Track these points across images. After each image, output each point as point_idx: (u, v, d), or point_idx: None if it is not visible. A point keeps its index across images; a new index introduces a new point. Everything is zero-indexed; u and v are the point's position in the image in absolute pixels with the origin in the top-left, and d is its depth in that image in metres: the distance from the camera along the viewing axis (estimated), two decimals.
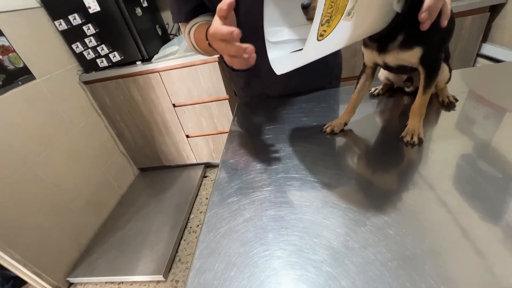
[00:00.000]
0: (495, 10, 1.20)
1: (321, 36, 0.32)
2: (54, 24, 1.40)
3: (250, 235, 0.36)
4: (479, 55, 1.30)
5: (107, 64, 1.51)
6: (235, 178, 0.47)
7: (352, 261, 0.29)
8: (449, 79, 0.53)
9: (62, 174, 1.39)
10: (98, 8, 1.32)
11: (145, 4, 1.51)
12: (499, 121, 0.47)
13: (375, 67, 0.51)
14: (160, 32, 1.65)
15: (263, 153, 0.52)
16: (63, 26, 1.40)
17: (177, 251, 1.40)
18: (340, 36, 0.34)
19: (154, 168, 2.01)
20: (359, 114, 0.55)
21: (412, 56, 0.43)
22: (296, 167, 0.46)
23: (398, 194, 0.37)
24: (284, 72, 0.40)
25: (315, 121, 0.59)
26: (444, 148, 0.44)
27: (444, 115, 0.52)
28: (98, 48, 1.46)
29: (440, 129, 0.49)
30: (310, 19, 0.41)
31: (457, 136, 0.46)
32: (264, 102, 0.74)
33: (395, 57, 0.44)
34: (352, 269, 0.29)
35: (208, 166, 2.00)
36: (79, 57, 1.50)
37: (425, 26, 0.38)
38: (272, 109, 0.68)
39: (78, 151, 1.52)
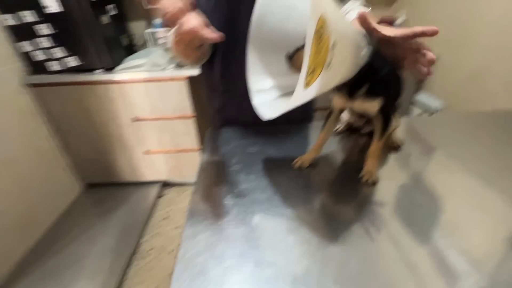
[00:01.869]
0: None
1: (306, 85, 0.36)
2: (0, 18, 1.24)
3: (223, 272, 0.36)
4: (414, 101, 1.54)
5: (59, 68, 1.38)
6: (206, 212, 0.47)
7: None
8: (398, 126, 0.62)
9: None
10: (58, 9, 1.22)
11: (113, 12, 1.44)
12: (433, 162, 0.56)
13: (341, 112, 0.57)
14: (125, 43, 1.59)
15: (234, 185, 0.53)
16: (11, 21, 1.25)
17: (124, 279, 1.26)
18: (321, 85, 0.39)
19: (103, 184, 1.83)
20: (324, 150, 0.60)
21: (373, 106, 0.50)
22: (267, 201, 0.48)
23: (358, 230, 0.41)
24: (272, 117, 0.42)
25: (286, 154, 0.62)
26: (392, 185, 0.51)
27: (393, 156, 0.61)
28: (52, 51, 1.33)
29: (390, 169, 0.56)
30: (292, 67, 0.45)
31: (401, 175, 0.54)
32: (236, 131, 0.75)
33: (360, 105, 0.51)
34: None
35: (165, 184, 1.90)
36: (26, 57, 1.34)
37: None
38: (244, 138, 0.70)
39: (10, 162, 1.31)
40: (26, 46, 1.31)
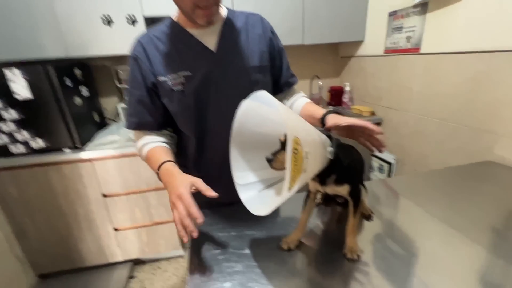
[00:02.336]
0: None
1: (289, 189, 0.43)
2: None
3: None
4: (373, 155, 1.73)
5: (24, 151, 1.32)
6: None
7: None
8: (365, 196, 0.71)
9: None
10: (29, 96, 1.23)
11: (85, 94, 1.49)
12: (400, 218, 0.64)
13: (316, 192, 0.64)
14: (97, 119, 1.60)
15: (227, 278, 0.53)
16: None
17: None
18: (300, 183, 0.46)
19: (61, 272, 1.59)
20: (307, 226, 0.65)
21: (343, 190, 0.57)
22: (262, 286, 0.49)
23: None
24: (262, 214, 0.47)
25: (270, 235, 0.66)
26: (372, 251, 0.58)
27: (367, 224, 0.68)
28: (15, 134, 1.29)
29: (367, 236, 0.63)
30: (273, 167, 0.52)
31: (379, 239, 0.61)
32: (215, 213, 0.77)
33: (332, 189, 0.58)
34: None
35: (137, 263, 1.73)
36: None
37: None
38: (225, 221, 0.72)
39: None
40: None
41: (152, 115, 0.72)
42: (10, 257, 1.41)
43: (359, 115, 1.71)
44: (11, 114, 1.25)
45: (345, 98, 1.93)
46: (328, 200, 0.79)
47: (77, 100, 1.39)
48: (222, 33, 0.70)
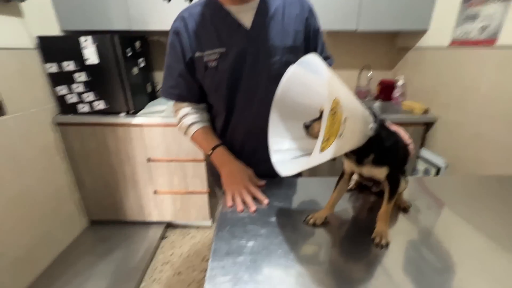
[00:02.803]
0: (428, 125, 1.55)
1: (322, 149, 0.42)
2: (44, 66, 1.41)
3: None
4: (419, 157, 1.60)
5: (88, 110, 1.50)
6: (225, 266, 0.49)
7: None
8: (405, 188, 0.67)
9: None
10: (96, 61, 1.39)
11: (142, 65, 1.62)
12: (439, 221, 0.59)
13: (352, 174, 0.62)
14: (149, 90, 1.74)
15: (250, 239, 0.56)
16: (53, 69, 1.41)
17: None
18: (334, 150, 0.45)
19: (107, 222, 1.82)
20: (336, 208, 0.64)
21: (380, 173, 0.55)
22: (282, 257, 0.51)
23: (365, 282, 0.43)
24: (289, 174, 0.48)
25: (298, 209, 0.66)
26: (401, 245, 0.53)
27: (401, 217, 0.64)
28: (84, 95, 1.47)
29: (399, 230, 0.59)
30: (309, 135, 0.52)
31: (412, 236, 0.56)
32: None
33: (368, 170, 0.56)
34: None
35: (169, 226, 1.88)
36: (60, 99, 1.48)
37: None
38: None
39: (26, 196, 1.35)
40: (63, 90, 1.45)
41: (192, 88, 0.77)
42: (70, 202, 1.65)
43: (409, 112, 1.58)
44: (81, 76, 1.43)
45: (396, 93, 1.79)
46: (363, 188, 0.76)
47: (134, 70, 1.53)
48: (258, 10, 0.70)
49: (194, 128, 0.78)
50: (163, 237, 1.78)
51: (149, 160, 1.60)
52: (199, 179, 1.64)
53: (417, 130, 1.54)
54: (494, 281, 0.43)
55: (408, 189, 0.70)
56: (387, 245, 0.53)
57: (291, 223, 0.61)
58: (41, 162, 1.43)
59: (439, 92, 1.48)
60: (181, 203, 1.72)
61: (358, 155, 0.56)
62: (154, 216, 1.77)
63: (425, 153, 1.56)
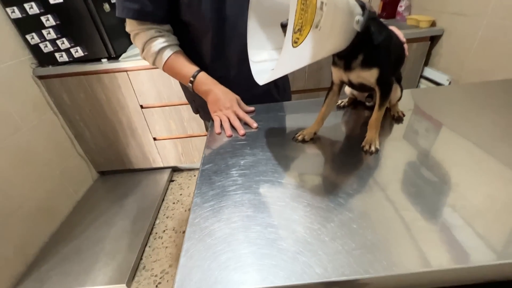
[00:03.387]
0: (434, 40, 1.41)
1: (295, 43, 0.37)
2: (6, 11, 1.27)
3: (230, 232, 0.39)
4: (422, 76, 1.51)
5: (67, 59, 1.41)
6: (213, 182, 0.50)
7: (324, 252, 0.34)
8: (400, 97, 0.63)
9: (7, 178, 1.25)
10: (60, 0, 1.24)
11: (114, 0, 1.45)
12: (436, 133, 0.57)
13: (341, 84, 0.58)
14: None
15: (239, 158, 0.56)
16: (17, 14, 1.27)
17: (141, 258, 1.34)
18: (312, 47, 0.40)
19: (115, 171, 1.90)
20: (327, 124, 0.62)
21: (370, 76, 0.50)
22: (271, 171, 0.51)
23: (359, 195, 0.43)
24: (266, 82, 0.44)
25: (287, 130, 0.64)
26: (394, 155, 0.52)
27: (395, 127, 0.62)
28: (58, 42, 1.36)
29: (392, 139, 0.57)
30: None
31: (404, 145, 0.55)
32: None
33: (357, 75, 0.51)
34: (324, 258, 0.33)
35: (176, 170, 1.96)
36: (34, 49, 1.38)
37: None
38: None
39: (28, 152, 1.37)
40: (34, 38, 1.34)
41: (155, 1, 0.62)
42: (75, 154, 1.70)
43: (415, 27, 1.43)
44: (49, 20, 1.29)
45: (401, 7, 1.60)
46: (356, 104, 0.73)
47: (106, 7, 1.37)
48: None
49: (167, 54, 0.68)
50: (170, 180, 1.87)
51: (142, 107, 1.56)
52: (196, 122, 1.62)
53: (422, 46, 1.41)
54: (494, 197, 0.41)
55: (404, 100, 0.67)
56: (377, 151, 0.52)
57: (279, 142, 0.60)
58: (33, 118, 1.42)
59: (448, 1, 1.31)
60: (182, 147, 1.75)
61: (345, 59, 0.50)
62: (158, 163, 1.82)
63: (428, 71, 1.47)
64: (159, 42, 0.67)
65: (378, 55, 0.48)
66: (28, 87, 1.40)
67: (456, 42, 1.30)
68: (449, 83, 1.33)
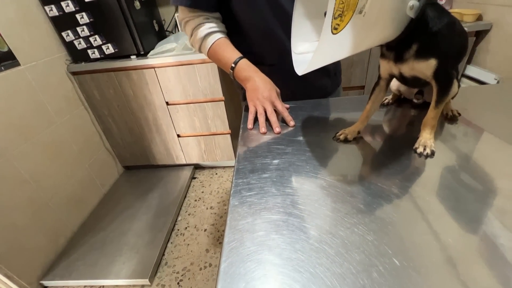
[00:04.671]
0: (480, 35, 1.30)
1: (335, 29, 0.33)
2: (44, 9, 1.32)
3: (270, 231, 0.35)
4: (463, 75, 1.39)
5: (99, 56, 1.45)
6: (249, 182, 0.46)
7: (382, 266, 0.30)
8: (456, 94, 0.56)
9: (41, 169, 1.30)
10: None
11: None
12: (489, 138, 0.50)
13: (390, 79, 0.53)
14: (156, 28, 1.61)
15: (275, 158, 0.52)
16: (54, 12, 1.32)
17: (163, 254, 1.35)
18: (355, 35, 0.35)
19: (140, 166, 1.94)
20: (370, 122, 0.57)
21: (426, 68, 0.44)
22: (310, 173, 0.46)
23: (403, 207, 0.38)
24: (305, 72, 0.40)
25: (327, 128, 0.60)
26: (447, 160, 0.46)
27: (447, 127, 0.55)
28: (91, 39, 1.40)
29: (444, 141, 0.51)
30: None
31: (459, 149, 0.48)
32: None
33: (410, 67, 0.46)
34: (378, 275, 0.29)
35: (197, 167, 1.96)
36: (69, 46, 1.43)
37: None
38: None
39: (61, 145, 1.43)
40: (69, 35, 1.38)
41: None
42: (103, 149, 1.75)
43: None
44: (84, 17, 1.33)
45: (441, 1, 1.48)
46: (402, 101, 0.67)
47: (136, 4, 1.39)
48: None
49: (212, 39, 0.67)
50: (193, 177, 1.88)
51: (168, 103, 1.57)
52: (220, 119, 1.61)
53: None
54: None
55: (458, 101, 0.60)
56: (433, 154, 0.47)
57: (319, 141, 0.56)
58: (66, 112, 1.47)
59: None
60: (205, 145, 1.74)
61: (396, 48, 0.45)
62: (181, 159, 1.84)
63: (471, 70, 1.35)
64: (206, 28, 0.67)
65: (437, 44, 0.42)
66: (63, 83, 1.46)
67: (506, 37, 1.18)
68: (497, 83, 1.21)
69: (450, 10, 1.39)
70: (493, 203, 0.37)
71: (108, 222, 1.52)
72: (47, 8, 1.32)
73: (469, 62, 1.37)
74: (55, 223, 1.36)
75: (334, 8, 0.30)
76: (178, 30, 1.73)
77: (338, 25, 0.32)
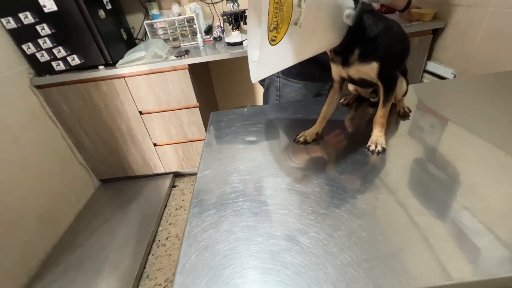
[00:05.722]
0: (436, 33, 1.38)
1: (273, 41, 0.35)
2: (1, 21, 1.26)
3: (230, 246, 0.36)
4: (425, 71, 1.47)
5: (64, 68, 1.40)
6: (212, 190, 0.47)
7: (331, 265, 0.31)
8: (406, 92, 0.60)
9: (7, 189, 1.23)
10: (54, 8, 1.23)
11: (108, 7, 1.43)
12: (445, 129, 0.54)
13: (342, 81, 0.55)
14: (125, 36, 1.58)
15: (238, 163, 0.53)
16: (12, 24, 1.26)
17: (144, 267, 1.32)
18: (295, 45, 0.37)
19: (117, 179, 1.88)
20: (330, 123, 0.59)
21: (370, 70, 0.47)
22: (273, 176, 0.48)
23: (367, 199, 0.40)
24: (256, 80, 0.42)
25: (288, 131, 0.61)
26: (402, 154, 0.49)
27: (401, 123, 0.58)
28: (54, 50, 1.34)
29: (398, 137, 0.54)
30: None
31: (412, 143, 0.51)
32: (237, 111, 0.75)
33: (356, 70, 0.48)
34: (331, 272, 0.30)
35: (177, 175, 1.94)
36: (31, 59, 1.37)
37: None
38: (245, 118, 0.70)
39: (28, 163, 1.36)
40: (30, 47, 1.33)
41: None
42: (76, 163, 1.68)
43: (417, 21, 1.39)
44: (45, 29, 1.28)
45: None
46: (361, 101, 0.70)
47: (101, 13, 1.35)
48: None
49: None
50: (172, 186, 1.85)
51: (141, 113, 1.54)
52: (196, 126, 1.60)
53: (424, 40, 1.38)
54: (505, 193, 0.38)
55: (409, 96, 0.64)
56: (383, 151, 0.49)
57: (280, 145, 0.57)
58: (32, 128, 1.40)
59: None
60: (183, 152, 1.72)
61: (342, 54, 0.47)
62: (160, 168, 1.80)
63: (431, 65, 1.43)
64: None
65: (376, 48, 0.45)
66: (26, 97, 1.39)
67: (460, 34, 1.26)
68: (454, 77, 1.29)
69: (412, 10, 1.47)
70: (464, 193, 0.39)
71: (85, 238, 1.46)
72: (3, 20, 1.25)
73: (429, 58, 1.45)
74: (26, 245, 1.29)
75: (268, 21, 0.31)
76: (148, 38, 1.71)
77: (275, 36, 0.33)
